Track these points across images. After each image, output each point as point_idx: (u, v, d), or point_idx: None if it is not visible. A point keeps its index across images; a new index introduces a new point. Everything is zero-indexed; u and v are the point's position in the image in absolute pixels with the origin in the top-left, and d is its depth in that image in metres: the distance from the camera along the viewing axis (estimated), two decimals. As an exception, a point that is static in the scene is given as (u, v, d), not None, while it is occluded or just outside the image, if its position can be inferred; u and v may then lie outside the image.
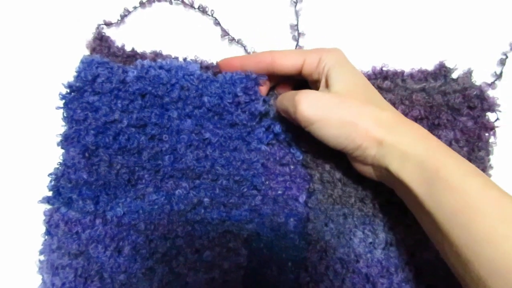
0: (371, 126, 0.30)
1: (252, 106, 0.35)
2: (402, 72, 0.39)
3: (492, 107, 0.37)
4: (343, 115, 0.30)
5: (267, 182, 0.37)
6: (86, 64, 0.36)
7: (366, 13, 0.41)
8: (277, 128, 0.37)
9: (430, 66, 0.39)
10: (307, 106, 0.30)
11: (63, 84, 0.36)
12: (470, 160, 0.36)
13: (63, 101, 0.36)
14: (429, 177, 0.27)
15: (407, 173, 0.28)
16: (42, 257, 0.35)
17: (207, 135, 0.35)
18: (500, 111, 0.37)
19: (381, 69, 0.39)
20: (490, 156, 0.37)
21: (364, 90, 0.32)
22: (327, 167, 0.36)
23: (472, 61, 0.39)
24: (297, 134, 0.37)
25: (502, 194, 0.26)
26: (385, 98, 0.36)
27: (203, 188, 0.35)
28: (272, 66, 0.35)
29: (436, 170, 0.27)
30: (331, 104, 0.31)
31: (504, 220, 0.24)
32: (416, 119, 0.36)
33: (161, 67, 0.36)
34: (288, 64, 0.34)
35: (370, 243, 0.35)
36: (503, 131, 0.37)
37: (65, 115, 0.36)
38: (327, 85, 0.33)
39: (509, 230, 0.24)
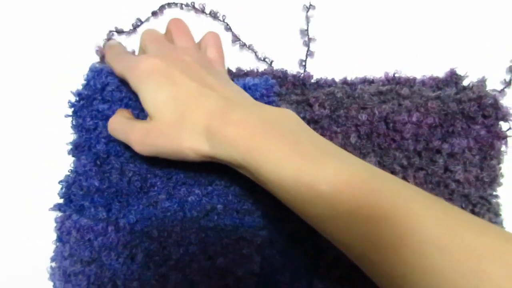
0: (193, 146, 0.30)
1: None
2: (414, 79, 0.39)
3: (506, 116, 0.37)
4: (169, 147, 0.30)
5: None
6: (95, 72, 0.36)
7: (376, 20, 0.42)
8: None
9: (439, 73, 0.39)
10: (139, 147, 0.32)
11: (72, 92, 0.36)
12: (482, 168, 0.36)
13: (72, 109, 0.36)
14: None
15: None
16: (54, 264, 0.35)
17: (220, 141, 0.35)
18: (512, 120, 0.37)
19: (394, 75, 0.39)
20: (501, 165, 0.37)
21: (176, 102, 0.30)
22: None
23: (481, 68, 0.39)
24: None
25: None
26: (401, 104, 0.36)
27: (216, 195, 0.35)
28: None
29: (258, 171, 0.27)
30: (156, 139, 0.31)
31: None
32: (430, 127, 0.36)
33: None
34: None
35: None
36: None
37: (74, 123, 0.36)
38: None
39: None
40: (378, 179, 0.26)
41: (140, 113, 0.36)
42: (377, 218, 0.24)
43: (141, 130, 0.31)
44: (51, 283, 0.35)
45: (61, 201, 0.35)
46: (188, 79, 0.31)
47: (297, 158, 0.26)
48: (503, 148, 0.37)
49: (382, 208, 0.24)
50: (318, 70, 0.39)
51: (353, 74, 0.39)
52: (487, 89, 0.37)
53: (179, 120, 0.30)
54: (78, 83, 0.37)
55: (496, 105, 0.36)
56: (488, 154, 0.36)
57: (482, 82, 0.38)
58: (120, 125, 0.33)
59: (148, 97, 0.31)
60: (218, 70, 0.34)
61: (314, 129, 0.36)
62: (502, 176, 0.36)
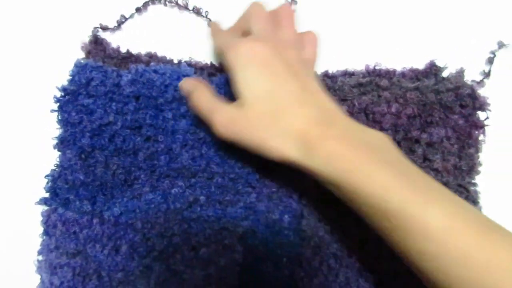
0: (280, 148, 0.29)
1: None
2: (394, 71, 0.40)
3: (483, 106, 0.37)
4: (254, 139, 0.30)
5: (262, 180, 0.37)
6: (80, 68, 0.37)
7: (357, 13, 0.42)
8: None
9: (420, 65, 0.40)
10: (222, 130, 0.31)
11: (57, 88, 0.37)
12: (460, 157, 0.36)
13: (58, 104, 0.36)
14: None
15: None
16: (40, 257, 0.35)
17: (202, 134, 0.36)
18: (490, 110, 0.37)
19: (374, 67, 0.40)
20: (479, 154, 0.37)
21: (273, 96, 0.30)
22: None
23: (460, 60, 0.39)
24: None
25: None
26: (381, 96, 0.37)
27: (199, 187, 0.35)
28: None
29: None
30: (242, 127, 0.30)
31: None
32: (409, 117, 0.37)
33: (155, 71, 0.36)
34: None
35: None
36: (492, 129, 0.37)
37: (60, 118, 0.36)
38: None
39: None
40: (490, 230, 0.25)
41: (124, 107, 0.36)
42: (487, 267, 0.24)
43: (229, 113, 0.31)
44: (39, 276, 0.35)
45: (47, 195, 0.36)
46: (291, 78, 0.30)
47: (406, 190, 0.26)
48: (481, 137, 0.37)
49: (496, 257, 0.24)
50: (300, 64, 0.40)
51: (334, 67, 0.40)
52: (466, 80, 0.38)
53: (273, 117, 0.29)
54: (64, 78, 0.38)
55: (473, 95, 0.37)
56: (466, 143, 0.37)
57: (460, 73, 0.38)
58: (206, 101, 0.32)
59: (246, 83, 0.30)
60: (316, 75, 0.34)
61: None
62: (480, 164, 0.37)
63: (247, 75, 0.30)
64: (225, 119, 0.31)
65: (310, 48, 0.35)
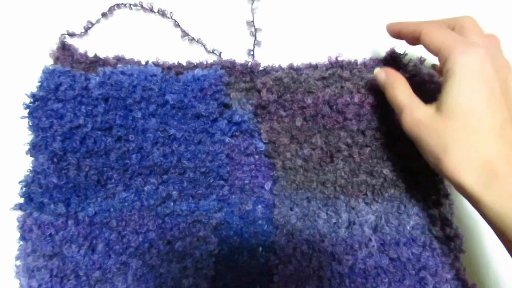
0: (456, 171, 0.28)
1: (219, 96, 0.38)
2: (356, 62, 0.41)
3: (440, 91, 0.39)
4: (435, 149, 0.29)
5: (234, 173, 0.38)
6: (48, 74, 0.37)
7: (317, 6, 0.44)
8: (237, 117, 0.38)
9: (382, 54, 0.41)
10: (410, 123, 0.31)
11: (26, 94, 0.37)
12: None
13: (28, 110, 0.37)
14: None
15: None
16: (18, 262, 0.36)
17: (172, 131, 0.36)
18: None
19: (336, 59, 0.41)
20: None
21: (478, 117, 0.28)
22: (288, 155, 0.38)
23: (419, 48, 0.41)
24: (257, 128, 0.39)
25: None
26: (343, 87, 0.38)
27: (171, 182, 0.36)
28: (420, 41, 0.34)
29: None
30: (431, 131, 0.30)
31: None
32: (372, 106, 0.38)
33: (123, 73, 0.37)
34: (429, 47, 0.33)
35: (334, 223, 0.36)
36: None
37: (30, 124, 0.37)
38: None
39: None
40: None
41: (93, 109, 0.37)
42: None
43: (424, 114, 0.30)
44: (18, 281, 0.36)
45: (21, 200, 0.36)
46: (501, 106, 0.29)
47: None
48: None
49: None
50: (266, 58, 0.41)
51: (299, 60, 0.41)
52: (423, 67, 0.39)
53: (466, 136, 0.28)
54: (33, 85, 0.38)
55: (430, 81, 0.38)
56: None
57: (418, 61, 0.39)
58: (404, 95, 0.33)
59: (459, 93, 0.29)
60: None
61: (261, 114, 0.38)
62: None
63: (465, 86, 0.29)
64: (418, 118, 0.31)
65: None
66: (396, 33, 0.37)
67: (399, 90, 0.33)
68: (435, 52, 0.32)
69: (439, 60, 0.32)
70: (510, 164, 0.27)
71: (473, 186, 0.27)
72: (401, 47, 0.41)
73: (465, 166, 0.28)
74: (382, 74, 0.35)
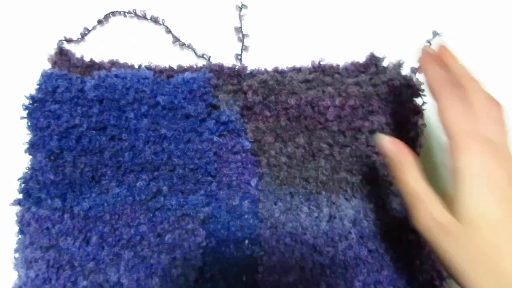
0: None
1: (208, 97, 0.40)
2: (338, 66, 0.44)
3: (417, 93, 0.41)
4: (454, 260, 0.27)
5: (221, 170, 0.40)
6: (46, 77, 0.40)
7: (301, 14, 0.46)
8: (224, 118, 0.41)
9: (363, 58, 0.44)
10: (423, 223, 0.28)
11: (25, 96, 0.39)
12: (401, 140, 0.40)
13: (27, 111, 0.39)
14: None
15: None
16: (17, 255, 0.38)
17: (163, 130, 0.39)
18: (425, 95, 0.41)
19: (319, 63, 0.43)
20: (421, 136, 0.40)
21: (496, 230, 0.27)
22: (273, 152, 0.40)
23: (400, 50, 0.43)
24: (244, 127, 0.41)
25: None
26: (325, 91, 0.41)
27: (162, 179, 0.38)
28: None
29: None
30: (452, 238, 0.27)
31: None
32: (352, 108, 0.40)
33: (116, 76, 0.39)
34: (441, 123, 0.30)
35: (316, 217, 0.39)
36: (432, 112, 0.41)
37: (29, 124, 0.39)
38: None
39: None
40: None
41: (88, 110, 0.39)
42: None
43: (444, 217, 0.28)
44: (16, 273, 0.38)
45: (20, 196, 0.38)
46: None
47: None
48: (420, 121, 0.41)
49: None
50: (253, 62, 0.44)
51: (283, 64, 0.44)
52: (401, 71, 0.41)
53: (488, 253, 0.26)
54: (32, 88, 0.41)
55: (407, 84, 0.40)
56: (406, 128, 0.41)
57: (396, 65, 0.41)
58: (417, 182, 0.30)
59: (471, 200, 0.27)
60: None
61: (247, 115, 0.41)
62: (421, 147, 0.41)
63: (474, 192, 0.27)
64: (439, 217, 0.28)
65: None
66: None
67: (411, 175, 0.30)
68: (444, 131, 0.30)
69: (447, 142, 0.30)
70: None
71: None
72: (381, 50, 0.43)
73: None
74: (391, 147, 0.32)
